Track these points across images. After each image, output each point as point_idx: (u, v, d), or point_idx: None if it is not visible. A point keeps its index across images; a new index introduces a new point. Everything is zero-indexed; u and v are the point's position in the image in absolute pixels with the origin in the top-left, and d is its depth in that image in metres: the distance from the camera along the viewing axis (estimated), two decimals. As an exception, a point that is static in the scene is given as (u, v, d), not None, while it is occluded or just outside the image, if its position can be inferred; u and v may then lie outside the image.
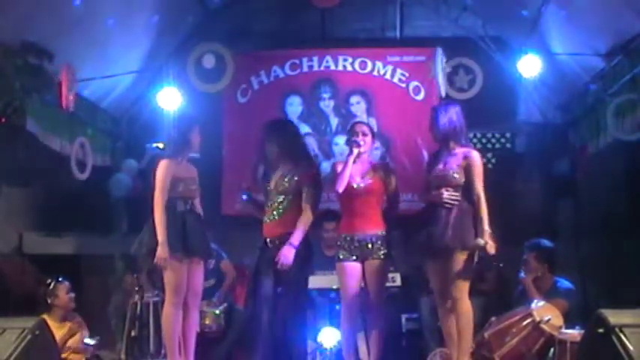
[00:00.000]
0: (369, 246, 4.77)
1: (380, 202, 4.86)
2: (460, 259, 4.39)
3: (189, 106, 6.60)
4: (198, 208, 4.91)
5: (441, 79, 6.67)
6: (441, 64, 6.63)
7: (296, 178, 4.79)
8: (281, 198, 4.81)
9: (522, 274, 5.51)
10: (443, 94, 6.74)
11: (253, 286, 4.96)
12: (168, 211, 4.68)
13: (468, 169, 4.48)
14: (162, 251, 4.59)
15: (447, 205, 4.45)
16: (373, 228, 4.80)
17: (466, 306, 4.42)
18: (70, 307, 5.46)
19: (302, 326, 4.95)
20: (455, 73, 6.78)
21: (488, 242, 4.35)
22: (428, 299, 5.74)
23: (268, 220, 4.85)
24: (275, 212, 4.82)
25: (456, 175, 4.48)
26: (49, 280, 5.46)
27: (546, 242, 5.61)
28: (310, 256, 4.94)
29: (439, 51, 6.76)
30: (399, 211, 5.02)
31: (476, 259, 4.41)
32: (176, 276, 4.66)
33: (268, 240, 4.83)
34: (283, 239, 4.77)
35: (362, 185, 4.82)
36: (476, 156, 4.52)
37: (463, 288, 4.42)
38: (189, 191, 4.79)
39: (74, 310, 5.55)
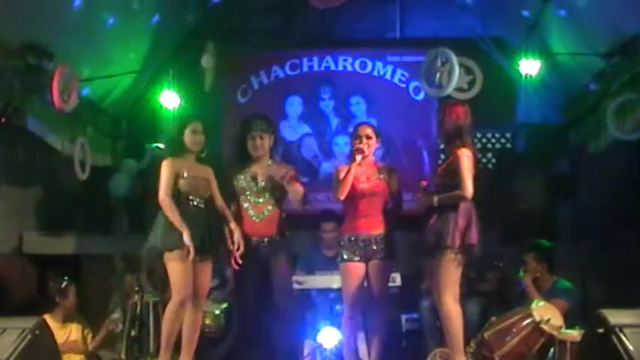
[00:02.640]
0: (373, 246, 4.77)
1: (383, 203, 4.86)
2: (441, 259, 4.38)
3: (187, 106, 6.60)
4: (218, 206, 4.78)
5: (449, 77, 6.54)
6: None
7: (281, 176, 4.83)
8: (267, 196, 4.82)
9: (522, 275, 5.51)
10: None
11: (240, 290, 4.95)
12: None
13: (456, 168, 4.46)
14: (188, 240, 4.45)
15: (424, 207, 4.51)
16: (377, 229, 4.80)
17: (449, 306, 4.40)
18: (74, 311, 5.48)
19: (294, 326, 4.97)
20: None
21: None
22: (427, 300, 5.75)
23: (256, 219, 4.83)
24: (262, 211, 4.83)
25: (442, 176, 4.49)
26: (61, 279, 5.48)
27: (545, 242, 5.61)
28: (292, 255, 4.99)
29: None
30: (401, 212, 5.02)
31: (462, 260, 4.39)
32: (178, 274, 4.54)
33: (254, 240, 4.82)
34: (271, 241, 4.79)
35: (367, 186, 4.82)
36: (462, 154, 4.43)
37: (445, 289, 4.40)
38: (193, 188, 4.74)
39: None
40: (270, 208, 4.85)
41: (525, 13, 6.45)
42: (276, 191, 4.85)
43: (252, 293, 4.87)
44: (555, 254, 5.64)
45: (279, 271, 4.83)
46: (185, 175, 4.65)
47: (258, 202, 4.84)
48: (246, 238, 4.80)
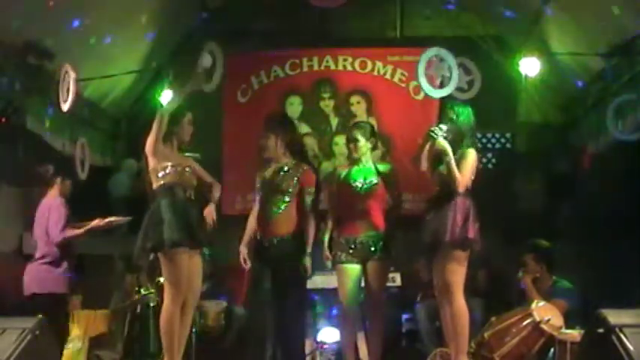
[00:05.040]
0: (371, 247, 4.75)
1: (382, 204, 4.84)
2: (444, 258, 4.36)
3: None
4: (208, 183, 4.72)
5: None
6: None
7: (296, 179, 4.76)
8: (280, 196, 4.78)
9: (521, 275, 5.51)
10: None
11: (253, 289, 4.93)
12: (168, 197, 4.48)
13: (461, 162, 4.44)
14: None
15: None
16: (375, 229, 4.78)
17: (458, 305, 4.37)
18: (79, 308, 5.51)
19: (303, 327, 4.95)
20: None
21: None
22: (423, 304, 5.75)
23: (266, 218, 4.79)
24: (274, 210, 4.78)
25: (443, 173, 4.49)
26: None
27: (544, 242, 5.60)
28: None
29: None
30: (400, 212, 5.01)
31: (465, 256, 4.39)
32: (185, 270, 4.36)
33: (265, 239, 4.78)
34: (282, 239, 4.74)
35: (365, 187, 4.80)
36: (471, 152, 4.41)
37: (454, 287, 4.37)
38: (181, 177, 4.60)
39: None
40: (277, 209, 4.77)
41: (525, 13, 6.46)
42: (291, 192, 4.78)
43: (261, 293, 4.83)
44: (555, 254, 5.63)
45: (288, 272, 4.79)
46: (172, 165, 4.58)
47: (268, 202, 4.80)
48: (257, 237, 4.79)
